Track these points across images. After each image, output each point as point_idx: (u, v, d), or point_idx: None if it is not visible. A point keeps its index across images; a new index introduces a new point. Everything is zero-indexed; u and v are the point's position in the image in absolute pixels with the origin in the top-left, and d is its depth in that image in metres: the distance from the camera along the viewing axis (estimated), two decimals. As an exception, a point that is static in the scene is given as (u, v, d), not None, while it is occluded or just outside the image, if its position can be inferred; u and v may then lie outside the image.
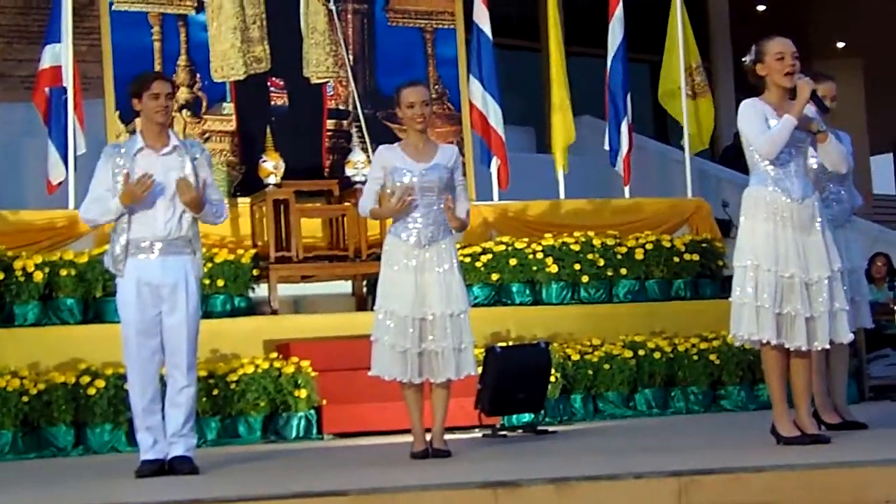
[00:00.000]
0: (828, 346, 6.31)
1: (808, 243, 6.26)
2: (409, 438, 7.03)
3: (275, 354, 9.60)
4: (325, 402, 9.37)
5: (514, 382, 8.69)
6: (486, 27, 11.83)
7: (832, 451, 5.82)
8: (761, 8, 24.06)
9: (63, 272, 9.61)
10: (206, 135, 11.05)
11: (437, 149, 7.08)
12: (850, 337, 6.37)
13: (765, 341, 6.20)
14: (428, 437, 6.96)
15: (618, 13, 12.23)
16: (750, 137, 6.31)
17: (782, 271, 6.20)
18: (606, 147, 12.26)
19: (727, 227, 13.49)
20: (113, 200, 6.50)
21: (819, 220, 6.30)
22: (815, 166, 6.86)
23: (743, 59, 6.56)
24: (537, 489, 4.95)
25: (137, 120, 7.15)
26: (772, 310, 6.16)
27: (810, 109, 6.36)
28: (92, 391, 8.89)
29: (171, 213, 6.56)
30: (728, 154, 20.22)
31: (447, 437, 7.05)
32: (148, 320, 6.54)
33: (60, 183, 10.56)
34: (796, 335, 6.18)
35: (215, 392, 9.18)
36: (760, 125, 6.26)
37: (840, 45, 24.07)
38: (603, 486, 5.00)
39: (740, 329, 6.28)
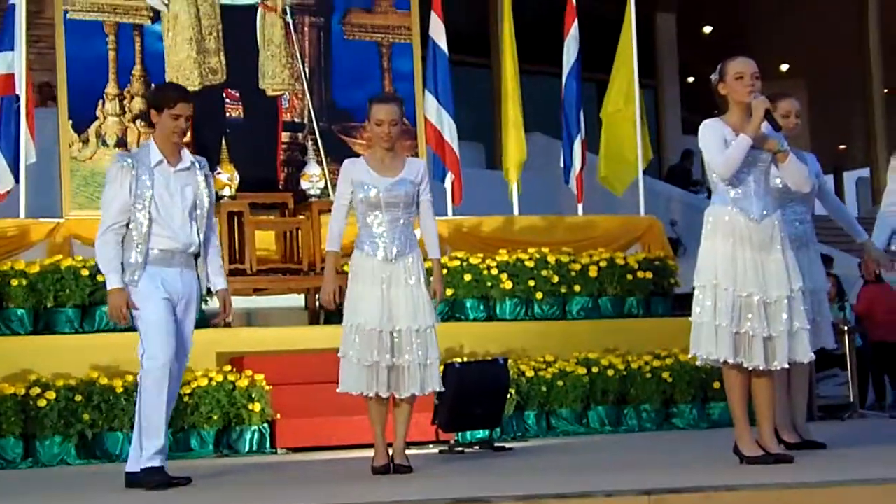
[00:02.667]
0: (786, 366, 6.33)
1: (768, 262, 6.28)
2: (363, 453, 6.99)
3: (228, 367, 9.52)
4: (278, 415, 9.31)
5: (472, 398, 8.67)
6: (443, 43, 11.85)
7: (799, 470, 5.84)
8: (708, 30, 24.32)
9: (14, 282, 9.51)
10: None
11: (405, 162, 7.03)
12: (811, 357, 6.40)
13: (722, 360, 6.22)
14: (362, 454, 6.94)
15: (573, 31, 12.29)
16: (708, 158, 6.34)
17: (740, 290, 6.21)
18: (561, 164, 12.30)
19: (676, 246, 13.57)
20: (117, 270, 6.45)
21: (779, 239, 6.33)
22: (779, 185, 6.89)
23: (710, 78, 6.59)
24: (507, 506, 4.93)
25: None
26: (729, 329, 6.17)
27: (769, 128, 6.39)
28: (42, 403, 8.78)
29: (190, 227, 6.56)
30: (674, 172, 20.41)
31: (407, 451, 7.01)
32: (170, 317, 6.46)
33: (9, 191, 10.44)
34: (754, 355, 6.20)
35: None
36: (719, 145, 6.28)
37: (784, 67, 24.35)
38: (573, 504, 4.99)
39: (700, 348, 6.29)
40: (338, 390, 6.92)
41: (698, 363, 6.44)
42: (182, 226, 6.54)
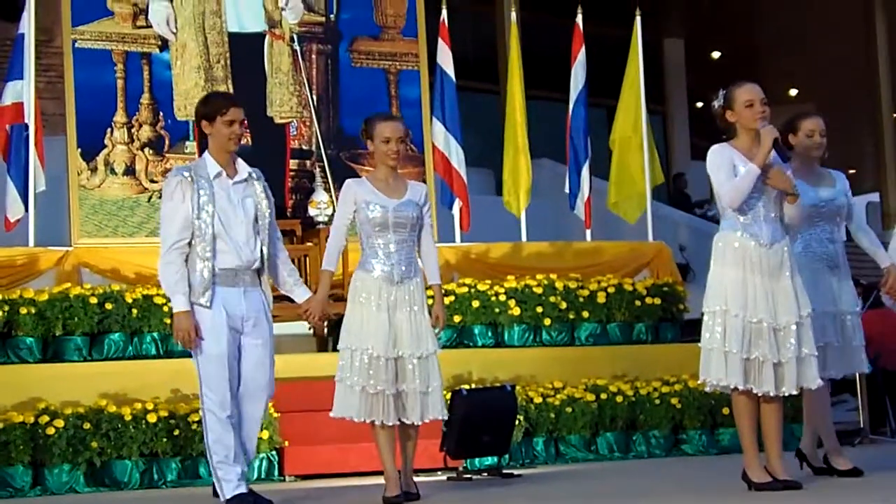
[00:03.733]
0: (795, 392, 6.30)
1: (777, 289, 6.27)
2: (372, 481, 6.95)
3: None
4: (286, 443, 9.29)
5: (481, 425, 8.65)
6: (450, 69, 11.89)
7: (806, 497, 5.82)
8: (716, 55, 24.33)
9: (23, 310, 9.53)
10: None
11: (408, 185, 6.96)
12: (819, 383, 6.36)
13: (732, 387, 6.20)
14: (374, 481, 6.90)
15: (581, 57, 12.31)
16: (716, 185, 6.34)
17: (750, 317, 6.20)
18: (567, 190, 12.30)
19: (685, 271, 13.53)
20: (183, 292, 6.31)
21: (788, 265, 6.32)
22: (808, 206, 6.86)
23: (712, 104, 6.56)
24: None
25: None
26: (739, 355, 6.16)
27: (776, 157, 6.37)
28: (51, 431, 8.77)
29: (254, 242, 6.43)
30: (672, 197, 20.40)
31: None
32: (232, 348, 6.34)
33: (19, 220, 10.48)
34: (764, 380, 6.19)
35: (176, 432, 9.08)
36: (727, 172, 6.28)
37: (793, 91, 24.35)
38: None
39: (709, 374, 6.28)
40: (332, 414, 6.80)
41: (707, 389, 6.42)
42: (247, 241, 6.39)
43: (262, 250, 6.47)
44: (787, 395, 6.27)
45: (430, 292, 7.04)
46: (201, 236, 6.31)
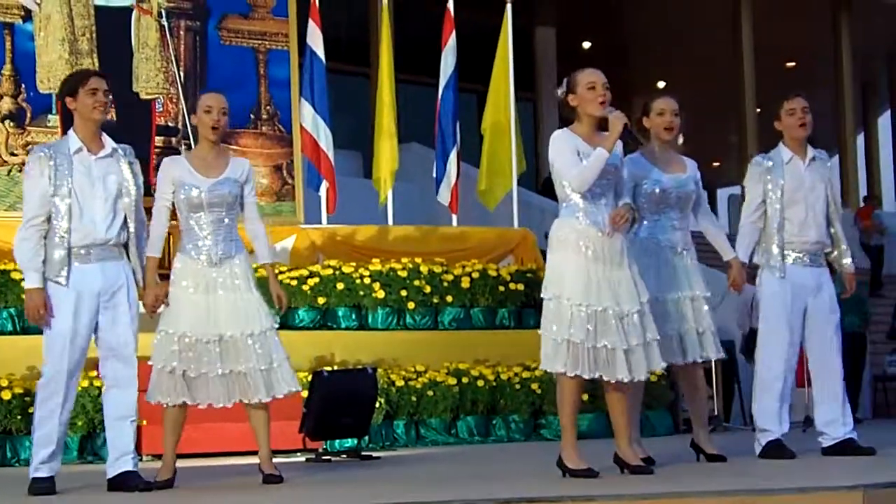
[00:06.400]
0: (643, 378, 6.27)
1: (618, 277, 6.20)
2: (239, 461, 6.84)
3: (94, 373, 9.37)
4: (144, 422, 9.17)
5: (340, 407, 8.66)
6: (320, 50, 11.85)
7: (648, 483, 5.91)
8: (587, 45, 24.58)
9: None
10: (30, 147, 10.76)
11: (229, 161, 6.73)
12: (663, 365, 6.35)
13: (571, 374, 6.08)
14: (255, 460, 6.85)
15: (451, 42, 12.36)
16: (562, 170, 6.19)
17: (595, 305, 6.10)
18: (434, 175, 12.35)
19: (549, 258, 13.58)
20: (37, 269, 6.21)
21: (626, 252, 6.25)
22: (656, 191, 6.94)
23: (555, 91, 6.53)
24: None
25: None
26: (585, 344, 6.06)
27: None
28: None
29: (112, 218, 6.29)
30: (547, 185, 20.59)
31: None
32: (82, 330, 6.24)
33: None
34: (617, 368, 6.10)
35: (31, 410, 8.87)
36: (572, 157, 6.14)
37: (661, 84, 24.70)
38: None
39: (554, 365, 6.13)
40: (150, 399, 6.66)
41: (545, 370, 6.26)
42: (105, 217, 6.27)
43: (125, 227, 6.34)
44: (636, 381, 6.23)
45: (261, 272, 6.86)
46: (57, 213, 6.23)
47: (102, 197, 6.29)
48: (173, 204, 6.62)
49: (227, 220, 6.63)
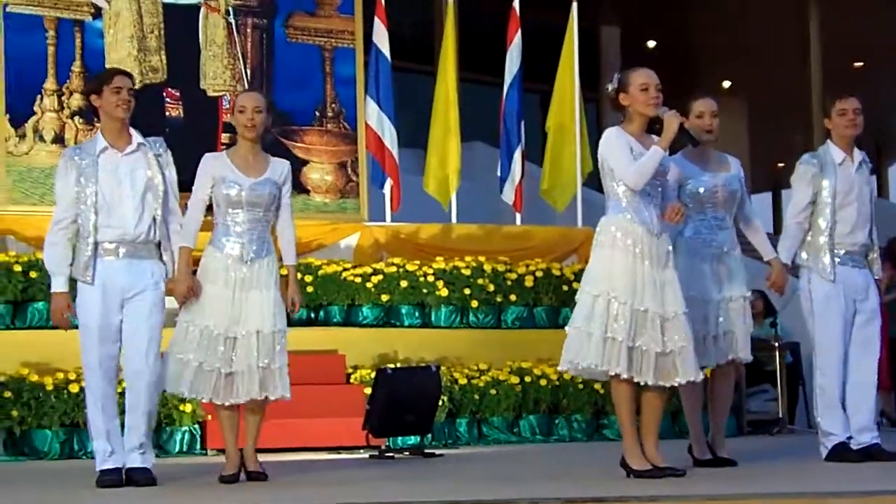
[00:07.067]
0: (684, 382, 6.13)
1: (665, 278, 6.16)
2: (300, 457, 6.89)
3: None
4: (209, 417, 9.26)
5: (404, 404, 8.68)
6: (385, 48, 11.88)
7: (689, 484, 5.86)
8: (652, 44, 24.47)
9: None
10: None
11: (269, 162, 6.75)
12: (701, 375, 6.30)
13: (612, 374, 6.05)
14: (329, 456, 6.87)
15: (516, 41, 12.35)
16: (617, 168, 6.16)
17: (637, 305, 6.06)
18: (498, 174, 12.35)
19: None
20: (63, 273, 6.32)
21: (672, 255, 6.23)
22: (700, 191, 6.92)
23: (605, 87, 6.52)
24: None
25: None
26: (625, 343, 6.02)
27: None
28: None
29: (140, 213, 6.35)
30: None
31: (332, 457, 6.93)
32: (111, 325, 6.31)
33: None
34: (648, 370, 6.05)
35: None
36: (627, 155, 6.13)
37: (726, 84, 24.55)
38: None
39: (583, 358, 6.07)
40: (169, 391, 6.68)
41: (562, 368, 6.22)
42: (133, 214, 6.32)
43: (155, 223, 6.39)
44: (674, 385, 6.17)
45: (284, 271, 6.88)
46: (84, 213, 6.32)
47: (130, 194, 6.35)
48: (210, 199, 6.65)
49: (263, 220, 6.65)
